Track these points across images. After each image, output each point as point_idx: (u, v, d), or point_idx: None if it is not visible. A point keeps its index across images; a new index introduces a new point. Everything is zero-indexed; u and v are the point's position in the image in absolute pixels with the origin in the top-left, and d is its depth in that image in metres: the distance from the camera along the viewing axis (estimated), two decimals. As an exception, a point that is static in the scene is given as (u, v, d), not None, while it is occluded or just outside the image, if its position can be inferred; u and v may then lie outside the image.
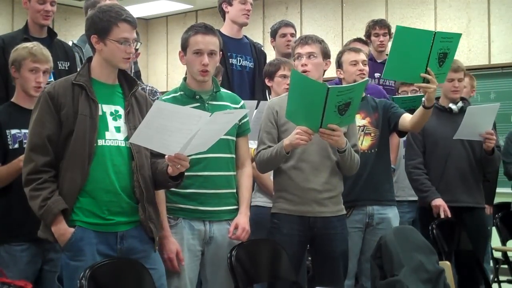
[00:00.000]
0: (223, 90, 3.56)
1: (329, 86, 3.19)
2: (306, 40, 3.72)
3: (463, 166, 4.59)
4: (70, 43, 4.72)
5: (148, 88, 4.08)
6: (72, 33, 9.77)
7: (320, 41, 3.75)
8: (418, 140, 4.64)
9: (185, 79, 3.49)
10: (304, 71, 3.64)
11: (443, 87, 4.67)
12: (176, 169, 2.95)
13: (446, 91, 4.67)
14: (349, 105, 3.28)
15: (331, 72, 4.37)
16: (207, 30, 3.37)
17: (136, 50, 3.93)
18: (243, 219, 3.41)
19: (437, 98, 4.80)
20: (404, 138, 4.84)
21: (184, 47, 3.40)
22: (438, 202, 4.45)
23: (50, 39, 4.29)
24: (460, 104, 4.67)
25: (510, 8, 8.07)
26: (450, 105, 4.65)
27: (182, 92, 3.43)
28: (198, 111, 2.89)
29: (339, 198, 3.75)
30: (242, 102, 3.56)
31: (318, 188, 3.64)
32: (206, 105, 3.36)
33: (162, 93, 3.97)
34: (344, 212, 3.78)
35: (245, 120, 3.52)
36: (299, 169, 3.64)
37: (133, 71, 4.37)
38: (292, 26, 5.37)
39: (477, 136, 4.42)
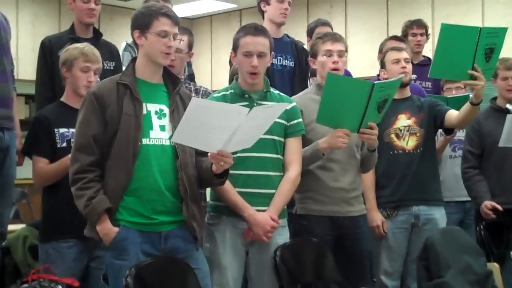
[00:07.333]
0: (275, 91, 3.53)
1: (375, 82, 3.19)
2: (336, 37, 3.69)
3: None
4: (124, 43, 4.76)
5: (201, 89, 4.07)
6: (117, 33, 9.85)
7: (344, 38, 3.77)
8: (475, 143, 4.59)
9: (237, 78, 3.48)
10: (336, 69, 3.60)
11: (498, 87, 4.60)
12: (219, 166, 2.94)
13: (501, 91, 4.59)
14: (386, 102, 3.30)
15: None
16: (257, 31, 3.36)
17: (189, 50, 3.93)
18: (258, 216, 3.28)
19: (495, 98, 4.73)
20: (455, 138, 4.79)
21: (235, 48, 3.41)
22: (485, 204, 4.42)
23: (96, 39, 4.34)
24: None
25: (561, 3, 7.90)
26: (507, 105, 4.56)
27: (232, 91, 3.44)
28: (236, 107, 2.88)
29: (362, 198, 3.76)
30: (294, 103, 3.51)
31: (346, 188, 3.63)
32: (255, 104, 3.32)
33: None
34: (365, 211, 3.78)
35: (295, 121, 3.45)
36: (327, 169, 3.61)
37: (186, 73, 4.37)
38: (329, 24, 5.33)
39: None
